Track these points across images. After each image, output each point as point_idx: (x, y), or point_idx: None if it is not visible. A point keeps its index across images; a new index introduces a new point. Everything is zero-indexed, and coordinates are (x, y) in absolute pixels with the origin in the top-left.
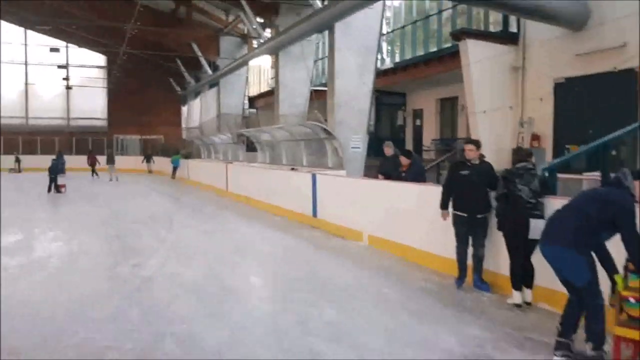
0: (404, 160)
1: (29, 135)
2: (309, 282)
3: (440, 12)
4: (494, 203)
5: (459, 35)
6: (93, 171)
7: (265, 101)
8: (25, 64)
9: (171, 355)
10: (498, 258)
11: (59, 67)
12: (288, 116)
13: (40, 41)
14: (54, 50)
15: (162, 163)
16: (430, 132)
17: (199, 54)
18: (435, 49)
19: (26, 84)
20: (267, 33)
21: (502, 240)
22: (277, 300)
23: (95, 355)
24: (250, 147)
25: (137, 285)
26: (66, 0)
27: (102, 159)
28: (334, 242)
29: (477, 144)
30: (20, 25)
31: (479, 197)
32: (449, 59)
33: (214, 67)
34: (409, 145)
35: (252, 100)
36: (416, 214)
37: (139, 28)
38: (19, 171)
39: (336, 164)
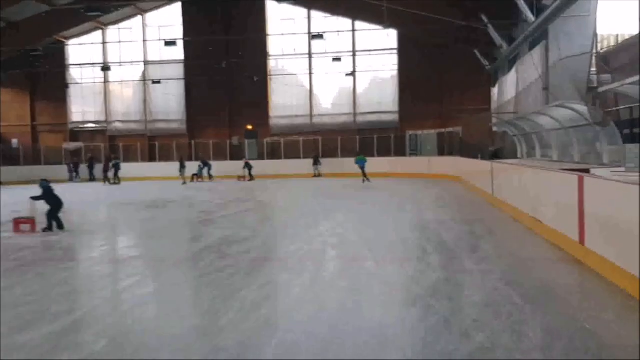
0: None
1: (312, 135)
2: None
3: None
4: None
5: None
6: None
7: (630, 56)
8: (309, 55)
9: None
10: None
11: (334, 59)
12: None
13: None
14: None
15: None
16: None
17: None
18: None
19: (310, 78)
20: None
21: None
22: None
23: None
24: (628, 135)
25: None
26: None
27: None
28: None
29: None
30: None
31: None
32: None
33: (538, 11)
34: None
35: (606, 60)
36: None
37: None
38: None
39: None
